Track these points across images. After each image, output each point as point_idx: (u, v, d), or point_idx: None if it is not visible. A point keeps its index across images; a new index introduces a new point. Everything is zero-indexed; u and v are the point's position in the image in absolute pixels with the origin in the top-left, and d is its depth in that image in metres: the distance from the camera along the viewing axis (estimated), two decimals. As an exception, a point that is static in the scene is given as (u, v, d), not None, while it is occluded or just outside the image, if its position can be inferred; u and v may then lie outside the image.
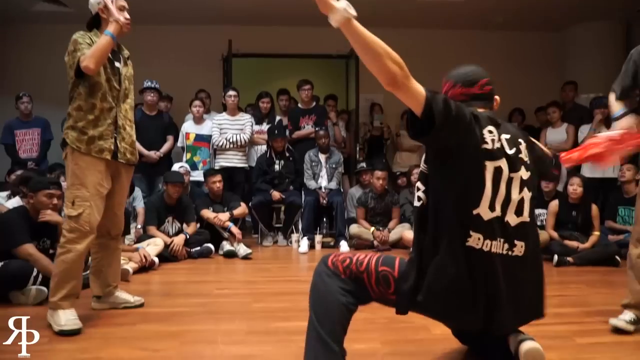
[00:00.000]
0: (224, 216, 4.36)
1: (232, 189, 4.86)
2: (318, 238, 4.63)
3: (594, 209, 4.09)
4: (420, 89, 1.32)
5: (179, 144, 5.15)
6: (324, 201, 4.80)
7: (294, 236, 4.72)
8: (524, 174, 1.47)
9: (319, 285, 1.51)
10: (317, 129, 5.08)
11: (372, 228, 4.59)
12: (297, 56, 6.70)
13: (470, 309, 1.41)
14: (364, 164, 5.18)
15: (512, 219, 1.43)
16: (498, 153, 1.42)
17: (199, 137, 5.09)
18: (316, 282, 1.53)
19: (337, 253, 1.59)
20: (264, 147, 5.12)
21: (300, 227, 4.79)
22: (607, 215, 4.44)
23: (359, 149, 5.85)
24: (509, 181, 1.43)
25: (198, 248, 4.14)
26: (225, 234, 4.30)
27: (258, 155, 5.11)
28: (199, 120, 5.12)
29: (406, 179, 5.25)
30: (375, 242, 4.53)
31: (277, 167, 4.94)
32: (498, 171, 1.41)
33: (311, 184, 4.95)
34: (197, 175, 4.97)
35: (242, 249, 4.13)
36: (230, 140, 4.90)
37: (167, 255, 3.86)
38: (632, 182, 4.18)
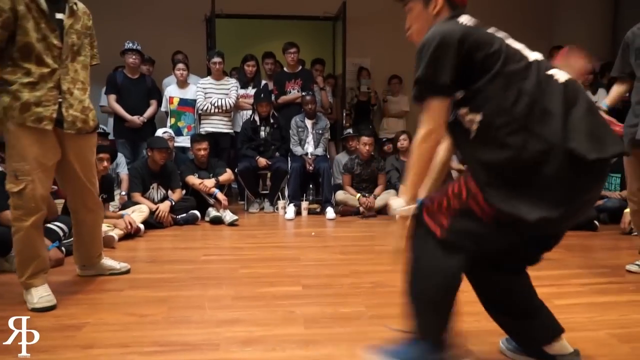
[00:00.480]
0: (210, 182, 4.34)
1: (218, 154, 4.81)
2: (304, 204, 4.65)
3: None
4: (432, 112, 1.28)
5: (163, 108, 5.03)
6: (310, 167, 4.79)
7: (280, 203, 4.73)
8: None
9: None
10: (303, 94, 5.01)
11: (358, 195, 4.62)
12: (283, 17, 6.52)
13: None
14: (350, 130, 5.15)
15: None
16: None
17: (183, 102, 4.98)
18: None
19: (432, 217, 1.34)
20: (250, 112, 5.04)
21: (286, 193, 4.79)
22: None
23: (345, 114, 5.80)
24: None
25: (184, 215, 4.13)
26: (211, 201, 4.29)
27: (243, 121, 5.04)
28: (182, 84, 5.00)
29: (392, 146, 5.25)
30: (361, 209, 4.57)
31: (262, 134, 4.89)
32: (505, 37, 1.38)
33: (297, 150, 4.92)
34: (182, 141, 4.89)
35: (229, 216, 4.13)
36: (215, 105, 4.81)
37: (152, 222, 3.84)
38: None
